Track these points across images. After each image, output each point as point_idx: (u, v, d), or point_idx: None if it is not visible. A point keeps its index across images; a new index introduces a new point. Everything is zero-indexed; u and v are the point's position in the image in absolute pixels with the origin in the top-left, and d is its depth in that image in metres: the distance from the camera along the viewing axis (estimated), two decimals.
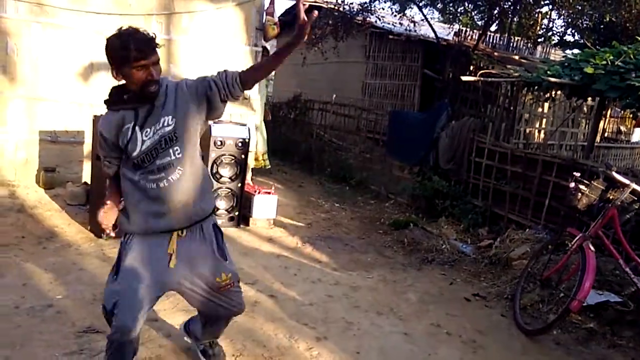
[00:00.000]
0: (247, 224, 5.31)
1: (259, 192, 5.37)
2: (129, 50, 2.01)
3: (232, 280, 2.32)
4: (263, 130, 6.86)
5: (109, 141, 2.16)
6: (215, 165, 4.95)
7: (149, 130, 2.10)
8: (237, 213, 5.21)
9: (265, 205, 5.37)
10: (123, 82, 2.12)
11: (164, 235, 2.19)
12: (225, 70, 2.16)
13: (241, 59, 6.38)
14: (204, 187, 2.28)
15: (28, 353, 2.63)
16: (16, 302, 3.14)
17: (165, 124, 2.10)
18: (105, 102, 2.19)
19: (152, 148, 2.09)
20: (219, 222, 5.07)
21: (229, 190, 5.09)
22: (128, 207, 2.22)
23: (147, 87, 2.06)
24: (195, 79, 2.18)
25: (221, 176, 5.01)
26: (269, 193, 5.44)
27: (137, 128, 2.10)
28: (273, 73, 16.39)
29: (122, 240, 2.27)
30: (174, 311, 3.24)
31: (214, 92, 2.12)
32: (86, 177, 5.47)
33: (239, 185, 5.15)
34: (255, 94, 6.63)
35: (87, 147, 5.50)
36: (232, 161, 5.04)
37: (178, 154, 2.12)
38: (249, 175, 6.36)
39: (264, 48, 6.50)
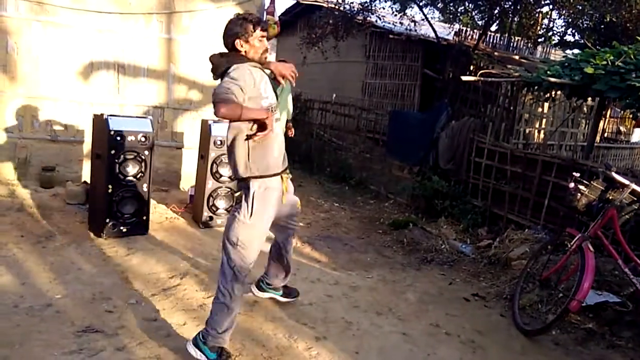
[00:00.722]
0: None
1: None
2: (255, 20, 2.66)
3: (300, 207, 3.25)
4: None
5: (252, 84, 2.57)
6: (215, 164, 4.95)
7: (274, 87, 2.73)
8: None
9: None
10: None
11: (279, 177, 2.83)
12: None
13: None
14: None
15: (27, 352, 2.63)
16: (15, 302, 3.14)
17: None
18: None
19: (274, 103, 2.71)
20: (219, 221, 5.11)
21: (229, 190, 5.08)
22: (262, 150, 2.71)
23: (265, 55, 2.72)
24: None
25: (221, 175, 5.01)
26: None
27: (272, 83, 2.72)
28: None
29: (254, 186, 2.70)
30: (174, 311, 3.24)
31: None
32: (86, 176, 5.47)
33: None
34: None
35: (87, 146, 5.50)
36: None
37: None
38: None
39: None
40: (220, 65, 2.63)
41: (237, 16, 2.68)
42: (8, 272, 3.54)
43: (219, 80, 2.61)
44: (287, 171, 2.92)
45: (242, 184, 2.74)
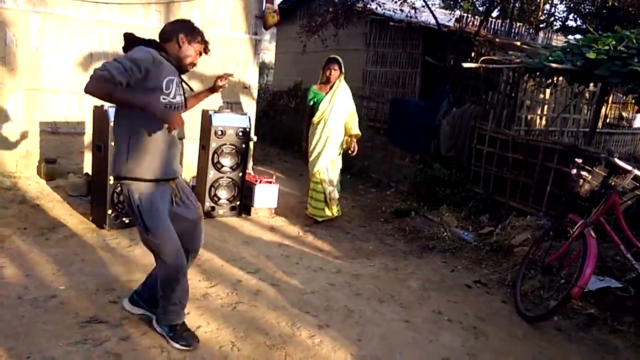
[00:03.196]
0: (249, 214, 5.32)
1: (260, 182, 5.37)
2: (205, 40, 2.67)
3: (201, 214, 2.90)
4: (337, 169, 5.35)
5: (151, 67, 2.39)
6: (216, 154, 4.95)
7: (183, 88, 2.64)
8: (238, 202, 5.22)
9: (267, 194, 5.38)
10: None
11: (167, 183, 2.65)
12: None
13: (240, 48, 6.35)
14: None
15: (32, 343, 2.65)
16: (19, 293, 3.16)
17: (183, 94, 2.66)
18: (157, 46, 2.53)
19: (179, 104, 2.57)
20: (220, 212, 5.13)
21: (230, 180, 5.09)
22: (150, 150, 2.53)
23: (189, 67, 2.62)
24: None
25: (222, 166, 5.01)
26: (270, 182, 5.44)
27: (180, 84, 2.60)
28: (273, 61, 16.27)
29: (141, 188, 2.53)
30: None
31: None
32: (87, 167, 5.48)
33: (240, 174, 5.15)
34: (255, 83, 6.60)
35: (88, 137, 5.50)
36: (233, 151, 5.04)
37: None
38: (250, 164, 6.36)
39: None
40: (132, 43, 2.50)
41: (191, 21, 2.69)
42: (12, 264, 3.56)
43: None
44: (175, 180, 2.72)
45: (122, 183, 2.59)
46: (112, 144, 2.70)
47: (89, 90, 2.23)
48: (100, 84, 2.21)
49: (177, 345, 2.70)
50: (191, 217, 2.76)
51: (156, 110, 2.35)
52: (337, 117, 5.09)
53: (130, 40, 2.51)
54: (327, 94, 5.09)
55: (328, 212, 5.29)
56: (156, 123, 2.43)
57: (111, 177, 4.30)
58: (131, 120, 2.48)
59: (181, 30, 2.55)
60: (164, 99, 2.45)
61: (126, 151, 2.50)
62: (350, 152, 5.29)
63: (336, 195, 5.29)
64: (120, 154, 2.54)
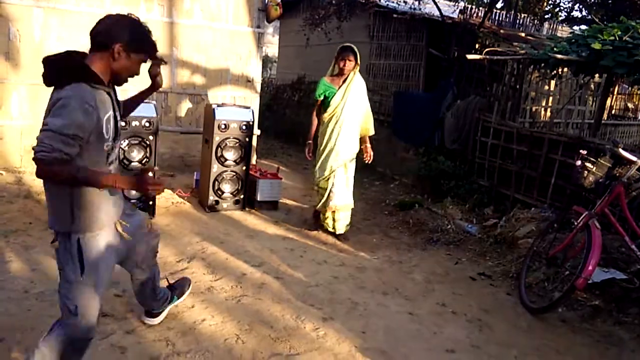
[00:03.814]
0: (253, 207, 5.32)
1: (264, 175, 5.38)
2: (152, 44, 2.09)
3: (150, 222, 2.55)
4: (350, 175, 4.76)
5: (94, 120, 1.90)
6: (219, 148, 4.95)
7: (117, 117, 2.11)
8: (242, 196, 5.22)
9: (271, 188, 5.38)
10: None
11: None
12: None
13: (243, 41, 6.34)
14: None
15: (38, 337, 2.65)
16: (26, 287, 3.18)
17: (119, 118, 2.14)
18: (87, 74, 1.92)
19: (116, 139, 2.10)
20: (224, 205, 5.14)
21: (234, 174, 5.09)
22: (93, 202, 2.02)
23: (125, 80, 2.10)
24: None
25: (226, 159, 5.01)
26: (274, 176, 5.44)
27: (115, 115, 2.08)
28: (276, 54, 16.23)
29: (77, 240, 2.08)
30: None
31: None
32: None
33: (244, 168, 5.15)
34: (258, 76, 6.59)
35: None
36: (237, 144, 5.04)
37: (120, 146, 2.22)
38: (253, 158, 6.37)
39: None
40: (62, 69, 1.91)
41: (135, 18, 2.06)
42: (18, 258, 3.59)
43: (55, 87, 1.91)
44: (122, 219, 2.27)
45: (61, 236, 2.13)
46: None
47: (47, 176, 1.86)
48: (58, 169, 1.82)
49: None
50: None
51: (127, 185, 2.00)
52: (351, 114, 4.50)
53: (54, 70, 1.94)
54: (340, 87, 4.48)
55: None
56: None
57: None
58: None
59: (119, 38, 1.96)
60: (106, 145, 1.99)
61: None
62: (364, 158, 4.71)
63: (349, 205, 4.69)
64: None
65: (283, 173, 6.16)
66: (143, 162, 4.47)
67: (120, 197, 2.23)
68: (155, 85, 2.49)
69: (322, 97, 4.54)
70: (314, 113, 4.66)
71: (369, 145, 4.71)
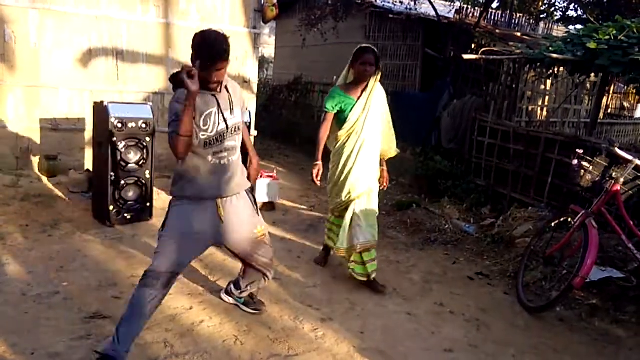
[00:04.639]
0: None
1: (261, 176, 5.37)
2: (218, 53, 2.39)
3: (264, 233, 2.88)
4: (374, 204, 3.75)
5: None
6: None
7: (224, 115, 2.54)
8: None
9: (268, 189, 5.38)
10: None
11: (212, 201, 2.62)
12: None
13: (240, 42, 6.34)
14: (243, 167, 2.81)
15: (36, 339, 2.66)
16: (23, 290, 3.17)
17: (235, 114, 2.60)
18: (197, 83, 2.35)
19: (222, 132, 2.54)
20: None
21: None
22: (188, 176, 2.58)
23: (216, 85, 2.50)
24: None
25: None
26: (271, 177, 5.44)
27: (220, 112, 2.52)
28: (272, 55, 16.21)
29: (174, 203, 2.62)
30: (180, 295, 3.27)
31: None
32: (88, 164, 5.48)
33: None
34: (255, 77, 6.59)
35: (88, 134, 5.50)
36: None
37: (239, 140, 2.67)
38: None
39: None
40: (176, 83, 2.43)
41: (209, 34, 2.41)
42: (15, 261, 3.57)
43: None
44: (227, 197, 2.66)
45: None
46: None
47: (170, 147, 2.40)
48: (171, 142, 2.38)
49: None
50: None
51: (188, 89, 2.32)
52: (373, 130, 3.63)
53: (175, 82, 2.45)
54: (359, 98, 3.58)
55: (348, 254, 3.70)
56: None
57: (112, 173, 4.31)
58: None
59: (196, 57, 2.39)
60: (202, 135, 2.48)
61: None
62: (379, 184, 3.79)
63: (374, 241, 3.66)
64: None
65: (280, 174, 6.16)
66: (140, 163, 4.47)
67: (229, 180, 2.64)
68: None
69: (336, 111, 3.63)
70: (323, 128, 3.67)
71: (385, 168, 3.86)
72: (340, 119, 3.64)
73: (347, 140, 3.64)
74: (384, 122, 3.77)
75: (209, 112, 2.49)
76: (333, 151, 3.77)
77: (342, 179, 3.65)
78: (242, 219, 2.73)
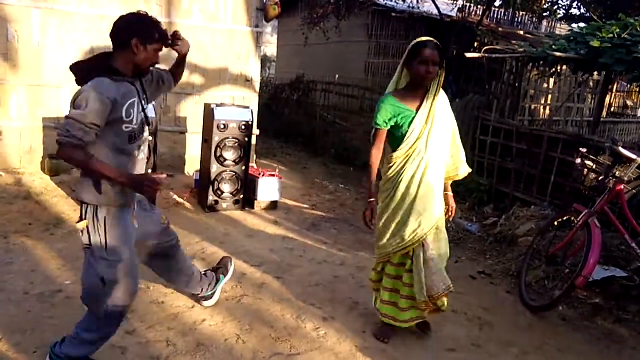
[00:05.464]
0: (252, 207, 5.32)
1: (263, 175, 5.37)
2: (163, 33, 2.29)
3: (167, 220, 2.81)
4: (443, 240, 2.92)
5: (110, 108, 2.13)
6: (219, 148, 4.95)
7: (143, 106, 2.33)
8: (241, 196, 5.22)
9: (270, 187, 5.38)
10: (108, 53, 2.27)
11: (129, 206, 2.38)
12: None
13: (242, 41, 6.33)
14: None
15: (39, 338, 2.67)
16: (26, 288, 3.18)
17: (145, 105, 2.37)
18: (109, 71, 2.20)
19: (142, 123, 2.32)
20: (224, 205, 5.14)
21: (234, 174, 5.09)
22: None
23: (149, 68, 2.34)
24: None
25: (225, 159, 5.01)
26: (274, 175, 5.44)
27: (141, 102, 2.30)
28: (275, 54, 16.20)
29: (96, 215, 2.24)
30: (181, 294, 3.27)
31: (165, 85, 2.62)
32: None
33: (243, 168, 5.15)
34: (257, 76, 6.59)
35: None
36: (236, 144, 5.03)
37: (151, 130, 2.45)
38: (253, 158, 6.36)
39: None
40: (84, 73, 2.19)
41: (144, 14, 2.29)
42: (18, 259, 3.58)
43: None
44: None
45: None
46: None
47: (65, 159, 2.13)
48: (73, 153, 2.07)
49: None
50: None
51: (126, 180, 2.18)
52: (439, 147, 2.82)
53: (81, 71, 2.21)
54: (419, 108, 2.77)
55: (414, 313, 2.95)
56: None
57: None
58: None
59: (134, 34, 2.19)
60: (126, 127, 2.22)
61: None
62: (446, 213, 2.96)
63: (446, 285, 2.83)
64: None
65: (282, 173, 6.16)
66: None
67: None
68: (180, 54, 2.63)
69: (389, 126, 2.84)
70: (375, 151, 2.89)
71: (450, 193, 3.04)
72: (395, 137, 2.84)
73: (405, 164, 2.80)
74: (451, 136, 2.94)
75: (131, 101, 2.23)
76: (384, 178, 2.92)
77: (401, 213, 2.82)
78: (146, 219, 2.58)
